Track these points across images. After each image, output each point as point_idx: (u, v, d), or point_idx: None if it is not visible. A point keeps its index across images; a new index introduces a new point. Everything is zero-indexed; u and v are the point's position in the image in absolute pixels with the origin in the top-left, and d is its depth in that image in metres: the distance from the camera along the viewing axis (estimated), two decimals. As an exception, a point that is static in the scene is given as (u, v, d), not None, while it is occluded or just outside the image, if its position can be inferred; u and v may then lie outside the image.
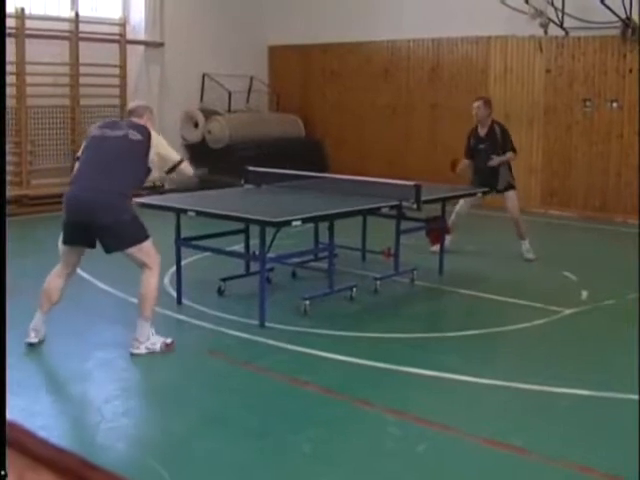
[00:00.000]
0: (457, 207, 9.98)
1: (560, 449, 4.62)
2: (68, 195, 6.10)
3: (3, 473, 1.29)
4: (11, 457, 1.21)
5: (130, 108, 6.71)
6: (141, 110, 6.51)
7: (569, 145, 13.46)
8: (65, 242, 6.22)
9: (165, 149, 6.41)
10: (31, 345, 6.18)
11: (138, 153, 6.12)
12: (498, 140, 9.77)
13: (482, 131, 9.84)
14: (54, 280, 6.33)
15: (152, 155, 6.19)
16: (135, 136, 6.12)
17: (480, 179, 9.77)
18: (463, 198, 9.76)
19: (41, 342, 6.27)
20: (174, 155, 6.55)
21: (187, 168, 6.66)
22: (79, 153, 6.42)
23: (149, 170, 6.27)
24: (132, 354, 6.11)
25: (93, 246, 6.18)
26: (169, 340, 6.26)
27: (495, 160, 9.66)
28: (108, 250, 6.13)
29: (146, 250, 6.07)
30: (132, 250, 6.03)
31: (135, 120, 6.38)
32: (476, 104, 9.90)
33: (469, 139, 10.01)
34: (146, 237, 6.08)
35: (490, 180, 9.69)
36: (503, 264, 9.58)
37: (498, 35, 13.95)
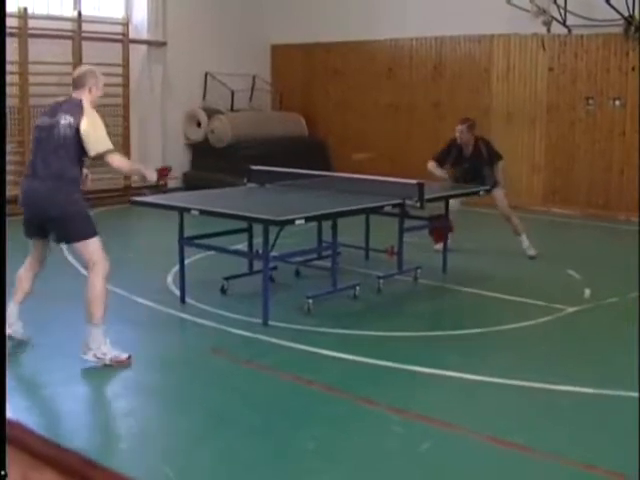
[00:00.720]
0: (451, 202, 9.93)
1: (563, 447, 4.63)
2: (21, 187, 6.05)
3: (3, 473, 1.29)
4: (14, 456, 1.21)
5: (73, 77, 6.13)
6: (81, 80, 5.98)
7: (572, 143, 13.44)
8: (25, 235, 6.14)
9: (91, 133, 5.76)
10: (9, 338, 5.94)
11: (71, 138, 5.75)
12: (484, 157, 9.74)
13: (467, 152, 9.75)
14: (25, 271, 6.22)
15: (82, 135, 5.74)
16: (66, 120, 5.75)
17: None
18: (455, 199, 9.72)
19: (18, 338, 6.11)
20: (99, 143, 5.79)
21: (119, 163, 5.99)
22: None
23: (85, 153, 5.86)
24: (82, 358, 5.81)
25: (46, 237, 6.05)
26: (123, 356, 5.86)
27: (498, 175, 9.69)
28: (57, 241, 6.07)
29: (92, 248, 5.84)
30: (78, 245, 5.88)
31: (75, 95, 5.94)
32: (460, 128, 9.75)
33: (449, 149, 9.83)
34: (93, 234, 5.87)
35: (476, 184, 9.70)
36: (506, 262, 9.57)
37: (501, 33, 13.93)
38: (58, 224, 5.85)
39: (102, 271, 5.85)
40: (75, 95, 5.95)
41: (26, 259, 6.24)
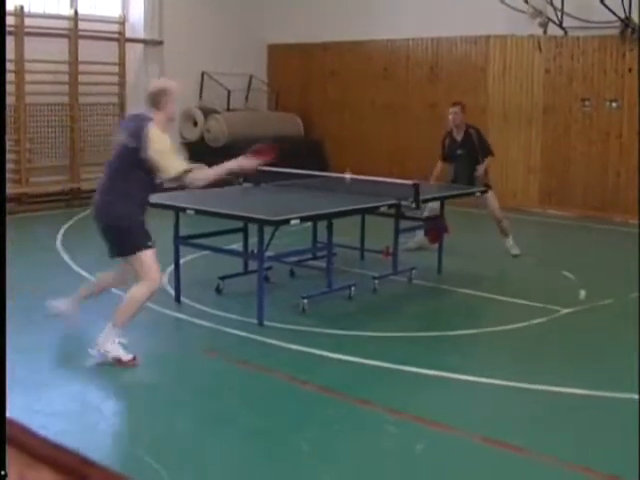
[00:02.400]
0: (430, 204, 9.93)
1: (559, 448, 4.63)
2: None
3: (3, 473, 1.29)
4: (11, 455, 1.21)
5: (147, 94, 6.00)
6: (154, 98, 5.91)
7: (568, 145, 13.46)
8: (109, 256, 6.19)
9: (163, 157, 5.76)
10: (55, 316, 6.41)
11: (135, 161, 5.75)
12: (475, 145, 9.80)
13: (458, 136, 9.89)
14: (106, 275, 6.50)
15: (152, 160, 5.74)
16: (131, 143, 5.77)
17: (455, 181, 9.89)
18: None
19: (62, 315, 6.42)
20: (175, 166, 5.83)
21: (202, 178, 6.06)
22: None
23: (153, 175, 5.89)
24: (89, 354, 5.92)
25: (118, 254, 6.08)
26: (128, 357, 5.89)
27: (480, 169, 9.70)
28: (112, 255, 6.10)
29: (144, 257, 5.87)
30: (131, 258, 5.92)
31: (146, 113, 5.91)
32: (453, 109, 9.92)
33: (444, 142, 10.07)
34: (147, 246, 5.89)
35: (465, 183, 9.78)
36: (501, 263, 9.58)
37: (497, 34, 13.95)
38: (119, 237, 5.94)
39: (151, 288, 5.94)
40: (149, 110, 5.92)
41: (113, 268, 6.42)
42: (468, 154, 9.76)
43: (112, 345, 5.87)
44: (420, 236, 9.76)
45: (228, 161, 6.40)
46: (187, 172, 5.87)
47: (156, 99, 5.88)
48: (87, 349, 6.18)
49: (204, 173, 6.14)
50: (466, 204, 10.33)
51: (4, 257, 1.72)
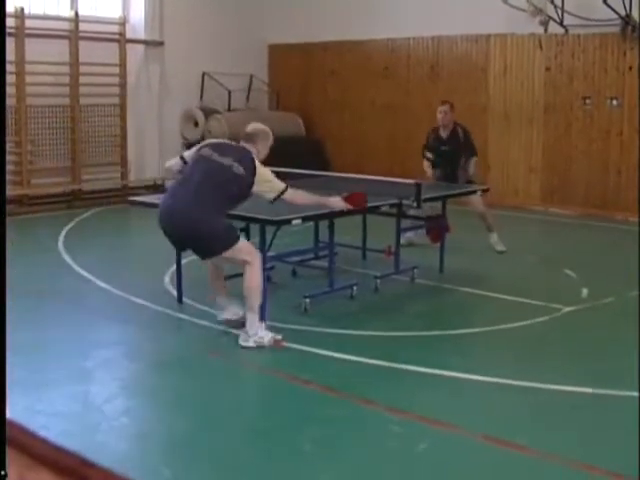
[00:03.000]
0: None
1: (562, 447, 4.62)
2: (161, 206, 6.37)
3: (3, 473, 1.29)
4: (11, 456, 1.21)
5: (246, 131, 6.67)
6: (254, 136, 6.55)
7: (569, 143, 13.45)
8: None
9: (268, 184, 6.34)
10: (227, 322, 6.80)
11: (238, 187, 6.22)
12: (461, 142, 9.83)
13: (444, 133, 9.94)
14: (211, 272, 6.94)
15: (255, 189, 6.28)
16: (239, 170, 6.20)
17: (439, 178, 9.94)
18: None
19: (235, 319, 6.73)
20: (276, 187, 6.38)
21: (295, 196, 6.51)
22: (185, 154, 6.66)
23: (245, 198, 6.38)
24: (241, 347, 6.21)
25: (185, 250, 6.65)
26: (279, 336, 6.32)
27: (471, 170, 9.74)
28: (203, 257, 6.54)
29: (238, 249, 6.21)
30: (227, 254, 6.23)
31: (245, 145, 6.47)
32: (443, 108, 9.99)
33: (428, 138, 10.12)
34: (236, 239, 6.23)
35: (451, 181, 9.84)
36: (503, 262, 9.57)
37: (498, 33, 13.94)
38: (200, 244, 6.32)
39: (257, 265, 6.31)
40: (246, 146, 6.48)
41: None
42: (452, 151, 9.81)
43: (263, 331, 6.31)
44: (411, 233, 9.76)
45: (324, 197, 6.90)
46: (285, 191, 6.39)
47: (254, 138, 6.57)
48: (90, 349, 6.19)
49: (305, 195, 6.66)
50: (462, 202, 10.29)
51: (4, 258, 1.72)
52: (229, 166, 6.23)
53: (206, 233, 6.17)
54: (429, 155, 10.05)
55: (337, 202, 6.83)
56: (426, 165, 10.10)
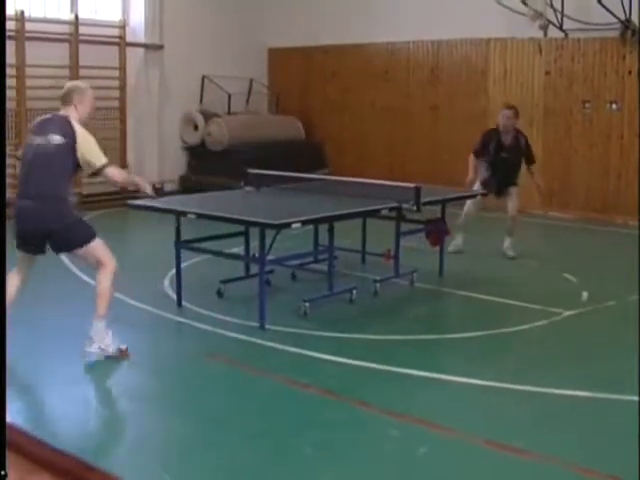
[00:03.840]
0: (465, 208, 9.98)
1: (561, 451, 4.62)
2: (15, 206, 6.04)
3: (3, 473, 1.29)
4: (12, 460, 1.21)
5: (61, 95, 6.24)
6: (68, 96, 6.13)
7: (569, 147, 13.46)
8: (19, 248, 6.08)
9: (88, 152, 5.94)
10: None
11: (62, 157, 5.89)
12: (522, 151, 9.75)
13: (506, 140, 9.77)
14: (10, 283, 6.06)
15: (79, 154, 5.91)
16: (55, 140, 5.89)
17: (495, 182, 9.82)
18: (470, 199, 9.76)
19: None
20: (96, 159, 5.97)
21: (114, 175, 6.13)
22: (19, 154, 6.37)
23: (78, 167, 6.04)
24: (85, 351, 5.98)
25: (43, 252, 6.11)
26: (124, 346, 6.10)
27: (537, 179, 9.93)
28: (57, 251, 6.19)
29: (94, 247, 5.97)
30: (81, 251, 6.00)
31: (62, 111, 6.09)
32: (507, 113, 9.81)
33: (486, 140, 9.89)
34: (93, 236, 6.00)
35: (503, 187, 9.82)
36: (503, 266, 9.57)
37: (498, 37, 13.94)
38: (57, 237, 5.95)
39: (110, 269, 6.02)
40: (62, 112, 6.10)
41: (12, 271, 6.10)
42: (513, 159, 9.70)
43: (109, 338, 6.04)
44: (458, 240, 9.87)
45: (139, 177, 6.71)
46: (108, 166, 6.03)
47: (70, 97, 6.13)
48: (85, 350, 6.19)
49: (121, 172, 6.47)
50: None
51: (4, 258, 1.72)
52: (47, 141, 5.89)
53: (59, 225, 5.86)
54: (485, 160, 9.87)
55: (144, 184, 6.39)
56: (471, 169, 9.89)
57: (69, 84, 6.45)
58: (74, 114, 6.06)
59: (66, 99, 6.12)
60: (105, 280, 6.01)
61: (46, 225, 5.87)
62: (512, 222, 9.89)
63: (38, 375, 5.85)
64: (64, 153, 5.88)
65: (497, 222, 10.03)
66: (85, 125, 6.10)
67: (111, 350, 6.02)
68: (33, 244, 6.03)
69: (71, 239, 5.96)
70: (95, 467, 1.20)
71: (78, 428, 4.97)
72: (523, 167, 9.99)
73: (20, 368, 5.85)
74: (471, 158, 9.98)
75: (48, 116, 6.16)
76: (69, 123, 5.95)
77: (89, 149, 5.94)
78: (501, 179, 9.78)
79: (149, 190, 6.42)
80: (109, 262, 6.02)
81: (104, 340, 6.00)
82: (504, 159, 9.73)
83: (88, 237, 5.97)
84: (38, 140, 5.96)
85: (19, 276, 6.12)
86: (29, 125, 12.93)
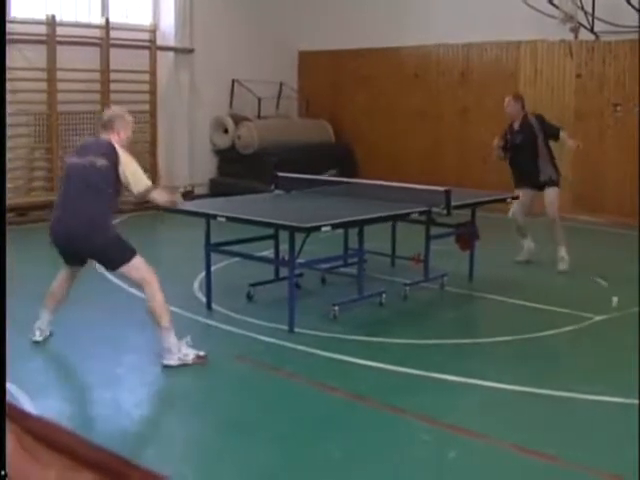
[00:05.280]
0: (510, 214, 9.79)
1: (592, 457, 4.59)
2: (51, 223, 6.29)
3: (3, 473, 1.30)
4: (52, 458, 1.22)
5: (102, 121, 6.41)
6: (110, 122, 6.27)
7: (600, 150, 13.36)
8: (62, 259, 6.41)
9: (132, 175, 6.07)
10: (36, 343, 6.36)
11: (106, 182, 6.02)
12: (535, 130, 9.56)
13: (516, 124, 9.71)
14: (58, 283, 6.52)
15: (123, 176, 6.04)
16: (100, 162, 6.01)
17: (519, 174, 9.66)
18: (515, 203, 9.59)
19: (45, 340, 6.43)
20: (140, 182, 6.12)
21: (158, 198, 6.34)
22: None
23: (120, 192, 6.20)
24: (164, 365, 6.02)
25: (84, 264, 6.41)
26: (202, 353, 6.14)
27: (569, 142, 9.51)
28: (106, 269, 6.43)
29: (136, 266, 6.06)
30: (123, 270, 6.09)
31: (104, 136, 6.23)
32: (506, 101, 9.86)
33: (506, 133, 9.80)
34: (132, 254, 6.07)
35: (531, 174, 9.54)
36: (533, 270, 9.52)
37: (528, 40, 13.88)
38: (97, 257, 6.19)
39: (154, 286, 6.08)
40: (104, 136, 6.22)
41: (59, 274, 6.51)
42: (527, 142, 9.51)
43: (185, 347, 6.11)
44: (529, 245, 9.77)
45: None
46: (152, 189, 6.27)
47: (112, 124, 6.23)
48: (120, 355, 6.24)
49: (163, 194, 6.56)
50: (494, 209, 10.21)
51: (4, 258, 1.73)
52: (91, 163, 6.01)
53: (98, 245, 6.01)
54: (501, 153, 9.78)
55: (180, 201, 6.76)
56: (496, 139, 9.83)
57: (110, 112, 6.54)
58: (116, 139, 6.18)
59: (108, 125, 6.24)
60: (153, 298, 6.07)
61: (83, 246, 6.06)
62: (551, 228, 9.58)
63: (70, 375, 5.90)
64: (106, 176, 6.00)
65: (531, 225, 9.92)
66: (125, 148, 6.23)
67: (190, 359, 6.07)
68: (72, 260, 6.35)
69: (111, 259, 6.08)
70: (136, 464, 1.21)
71: (106, 429, 4.99)
72: (559, 162, 9.80)
73: (54, 368, 5.90)
74: (496, 139, 9.86)
75: (91, 139, 6.41)
76: (113, 147, 6.07)
77: (132, 172, 6.06)
78: (524, 168, 9.62)
79: (179, 201, 6.74)
80: (152, 279, 6.08)
81: (182, 350, 6.07)
82: (518, 146, 9.57)
83: (128, 256, 6.05)
84: (81, 161, 6.09)
85: (67, 274, 6.47)
86: (60, 128, 13.06)
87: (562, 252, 9.53)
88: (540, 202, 9.69)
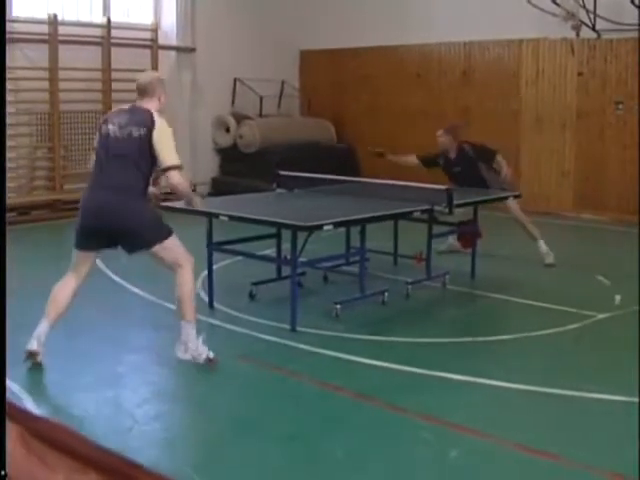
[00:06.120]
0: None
1: (595, 456, 4.58)
2: (83, 199, 5.90)
3: (3, 473, 1.29)
4: (58, 459, 1.21)
5: (139, 86, 5.89)
6: (151, 88, 5.85)
7: (602, 148, 13.35)
8: (80, 247, 5.92)
9: (163, 148, 5.68)
10: (30, 354, 5.77)
11: (141, 150, 5.68)
12: (472, 157, 9.57)
13: (452, 155, 9.67)
14: (63, 289, 5.99)
15: (155, 145, 5.67)
16: (138, 131, 5.67)
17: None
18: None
19: (38, 354, 5.80)
20: (167, 156, 5.70)
21: (177, 179, 5.74)
22: (95, 144, 6.05)
23: (155, 162, 5.78)
24: (178, 358, 5.94)
25: (113, 246, 5.93)
26: (212, 355, 5.96)
27: (504, 171, 9.46)
28: (130, 251, 5.93)
29: (170, 247, 5.80)
30: (155, 250, 5.77)
31: (144, 104, 5.82)
32: (438, 133, 9.87)
33: (436, 156, 9.87)
34: (169, 234, 5.82)
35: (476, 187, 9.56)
36: (535, 268, 9.50)
37: (530, 38, 13.87)
38: (132, 234, 5.74)
39: (187, 270, 5.86)
40: (143, 104, 5.85)
41: (66, 276, 6.04)
42: (467, 169, 9.55)
43: (200, 346, 5.94)
44: (451, 239, 9.72)
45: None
46: (176, 168, 5.75)
47: (152, 88, 5.86)
48: (122, 353, 6.23)
49: (183, 181, 5.92)
50: (493, 208, 10.20)
51: (4, 258, 1.73)
52: (129, 133, 5.69)
53: (134, 220, 5.67)
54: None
55: (197, 201, 6.36)
56: (402, 157, 10.32)
57: (147, 76, 6.15)
58: (156, 105, 5.85)
59: (149, 90, 5.84)
60: (184, 283, 5.84)
61: (120, 221, 5.67)
62: (523, 229, 9.63)
63: (71, 375, 5.88)
64: (144, 146, 5.67)
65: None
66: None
67: (202, 360, 5.93)
68: (98, 239, 5.84)
69: (146, 237, 5.73)
70: (141, 465, 1.20)
71: (108, 428, 4.99)
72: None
73: (55, 367, 5.89)
74: (413, 157, 10.13)
75: (127, 107, 5.92)
76: (151, 115, 5.73)
77: (164, 144, 5.68)
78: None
79: (200, 207, 6.46)
80: (186, 263, 5.84)
81: (197, 348, 5.92)
82: (458, 173, 9.58)
83: (164, 235, 5.78)
84: (117, 132, 5.76)
85: (75, 280, 5.98)
86: (62, 128, 13.05)
87: (542, 246, 9.59)
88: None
